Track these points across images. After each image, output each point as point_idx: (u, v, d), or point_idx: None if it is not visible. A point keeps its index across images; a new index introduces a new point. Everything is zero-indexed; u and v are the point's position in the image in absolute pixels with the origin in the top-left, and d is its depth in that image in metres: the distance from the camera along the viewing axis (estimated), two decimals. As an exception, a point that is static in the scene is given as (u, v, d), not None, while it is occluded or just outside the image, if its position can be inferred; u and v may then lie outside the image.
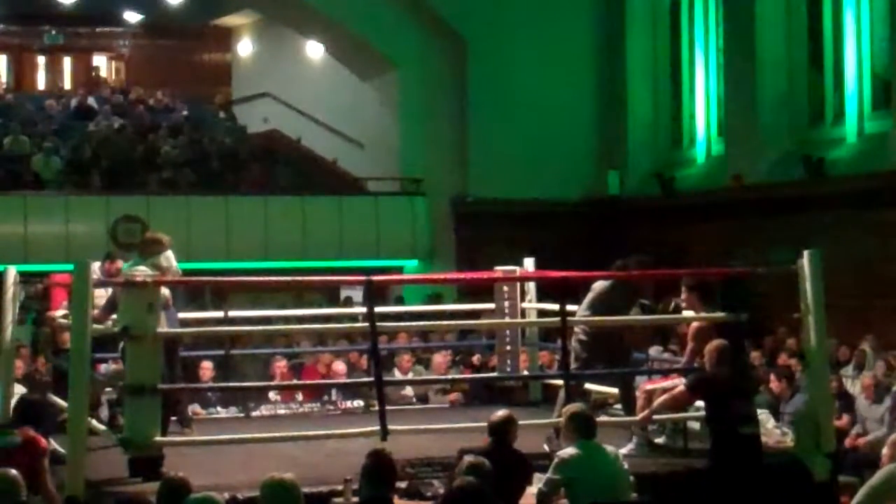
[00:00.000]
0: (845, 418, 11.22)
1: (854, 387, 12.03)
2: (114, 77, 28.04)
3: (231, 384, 10.74)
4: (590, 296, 9.14)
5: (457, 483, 5.84)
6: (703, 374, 7.98)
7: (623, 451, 7.97)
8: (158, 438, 7.84)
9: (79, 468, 7.44)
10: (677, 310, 9.38)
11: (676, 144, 20.27)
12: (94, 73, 27.93)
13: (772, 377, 11.70)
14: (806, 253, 8.82)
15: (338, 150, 22.78)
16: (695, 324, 8.91)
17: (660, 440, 9.07)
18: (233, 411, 11.02)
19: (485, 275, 11.75)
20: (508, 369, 11.14)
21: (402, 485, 7.22)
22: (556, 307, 8.90)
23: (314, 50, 24.01)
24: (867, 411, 11.33)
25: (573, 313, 8.96)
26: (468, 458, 6.31)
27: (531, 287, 11.20)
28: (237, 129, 24.42)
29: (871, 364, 12.70)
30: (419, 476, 7.64)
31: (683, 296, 9.03)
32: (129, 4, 26.71)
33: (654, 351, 13.33)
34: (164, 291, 8.56)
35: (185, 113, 24.02)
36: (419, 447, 8.22)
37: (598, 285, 9.14)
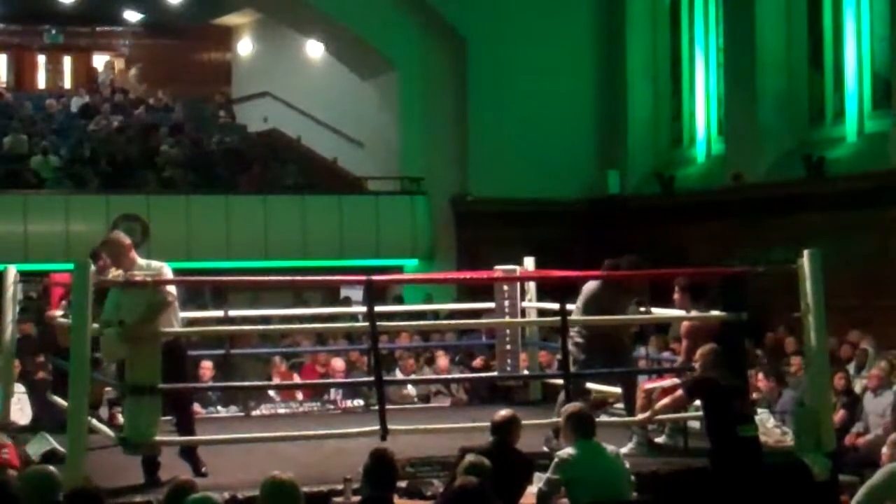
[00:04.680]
0: (844, 414, 11.18)
1: (854, 386, 12.00)
2: (114, 76, 28.02)
3: (231, 384, 10.74)
4: (580, 298, 9.11)
5: (457, 482, 5.83)
6: (700, 377, 7.98)
7: (623, 450, 7.96)
8: (158, 438, 7.83)
9: (78, 468, 7.42)
10: None
11: (676, 144, 20.26)
12: (113, 70, 27.87)
13: (760, 376, 11.63)
14: (806, 253, 8.82)
15: (338, 150, 22.79)
16: (686, 322, 8.95)
17: (660, 439, 9.07)
18: (233, 410, 11.03)
19: (485, 274, 11.73)
20: (509, 369, 11.12)
21: (403, 484, 7.22)
22: (556, 306, 8.89)
23: (314, 50, 24.01)
24: (870, 405, 11.27)
25: (572, 312, 8.95)
26: (469, 458, 6.31)
27: (531, 286, 11.20)
28: (237, 129, 24.45)
29: (873, 364, 12.66)
30: (419, 475, 7.63)
31: (676, 295, 9.07)
32: (129, 4, 26.74)
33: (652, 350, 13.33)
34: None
35: (184, 112, 24.02)
36: (419, 447, 8.20)
37: (588, 287, 9.09)
